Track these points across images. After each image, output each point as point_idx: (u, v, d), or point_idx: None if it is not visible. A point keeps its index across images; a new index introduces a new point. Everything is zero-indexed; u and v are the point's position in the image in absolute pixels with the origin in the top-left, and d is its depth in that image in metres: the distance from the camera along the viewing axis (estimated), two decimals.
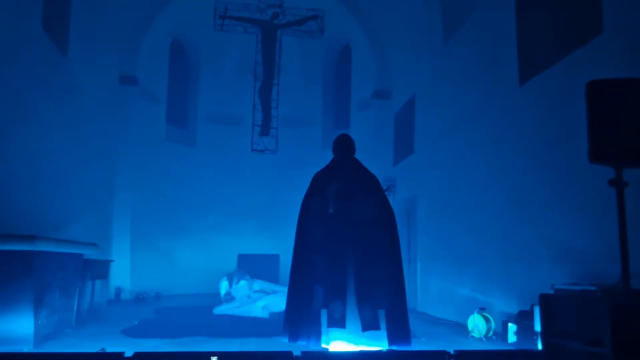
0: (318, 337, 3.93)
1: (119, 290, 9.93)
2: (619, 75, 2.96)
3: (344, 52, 13.70)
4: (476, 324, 5.84)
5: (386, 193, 4.34)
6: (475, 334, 5.81)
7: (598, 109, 2.88)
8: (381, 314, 3.96)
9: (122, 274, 10.21)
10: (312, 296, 3.99)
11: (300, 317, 4.00)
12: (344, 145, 4.39)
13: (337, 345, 3.90)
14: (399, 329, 3.97)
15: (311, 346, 3.92)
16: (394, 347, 3.91)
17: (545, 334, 3.17)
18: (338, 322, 3.90)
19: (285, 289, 7.92)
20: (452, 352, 3.34)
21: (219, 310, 7.80)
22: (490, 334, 5.76)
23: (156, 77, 11.97)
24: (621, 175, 2.90)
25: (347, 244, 4.02)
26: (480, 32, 7.24)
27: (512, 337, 5.39)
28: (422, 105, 9.60)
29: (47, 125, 7.01)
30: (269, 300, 7.62)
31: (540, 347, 3.61)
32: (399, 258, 4.22)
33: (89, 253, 6.30)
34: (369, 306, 3.92)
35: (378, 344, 3.91)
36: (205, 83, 13.54)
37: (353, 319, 3.92)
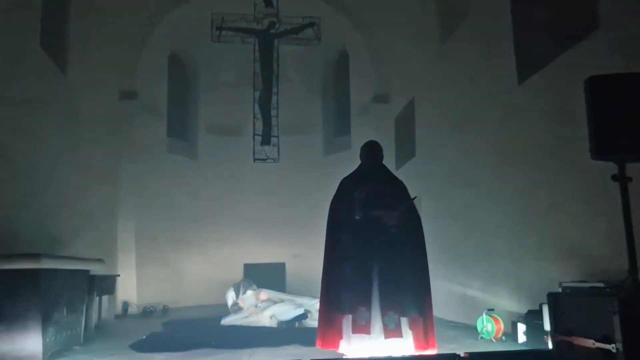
0: (337, 344, 3.96)
1: (126, 305, 9.91)
2: (616, 70, 2.96)
3: (342, 58, 13.72)
4: (485, 325, 5.81)
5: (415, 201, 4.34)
6: (485, 336, 5.78)
7: (598, 105, 2.88)
8: (403, 321, 3.96)
9: (128, 289, 10.20)
10: (337, 302, 4.03)
11: (326, 323, 4.04)
12: (370, 152, 4.45)
13: (359, 351, 3.90)
14: (426, 337, 3.96)
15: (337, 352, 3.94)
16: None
17: (555, 332, 3.15)
18: (363, 329, 3.91)
19: (292, 298, 7.99)
20: (462, 354, 3.33)
21: (227, 321, 7.78)
22: (500, 334, 5.73)
23: (156, 90, 11.99)
24: (624, 171, 2.89)
25: (373, 250, 4.04)
26: (476, 32, 7.25)
27: (521, 337, 5.36)
28: (421, 108, 9.60)
29: (48, 143, 7.04)
30: (276, 310, 7.59)
31: (550, 346, 3.59)
32: (426, 264, 4.22)
33: (94, 269, 6.29)
34: (392, 313, 3.93)
35: (402, 352, 3.90)
36: (205, 94, 13.58)
37: (376, 326, 3.93)
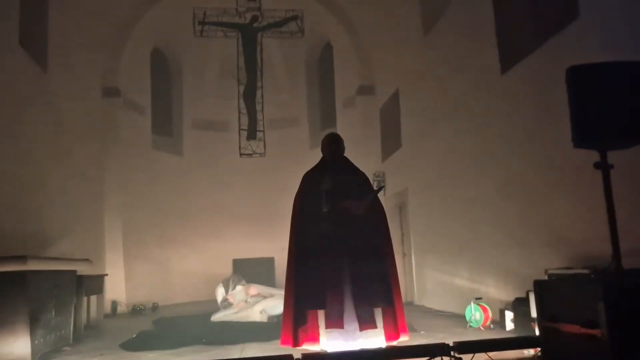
0: (317, 339, 3.92)
1: (115, 304, 9.86)
2: (596, 58, 2.99)
3: (326, 50, 13.70)
4: (473, 313, 5.88)
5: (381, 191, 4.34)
6: (473, 324, 5.85)
7: (579, 94, 2.90)
8: (377, 312, 3.96)
9: (117, 288, 10.13)
10: (309, 297, 3.98)
11: (299, 319, 3.98)
12: (332, 144, 4.38)
13: (335, 345, 3.89)
14: (397, 325, 3.98)
15: (311, 348, 3.91)
16: (392, 344, 3.92)
17: (541, 319, 3.19)
18: (336, 323, 3.89)
19: (281, 292, 7.96)
20: (451, 343, 3.36)
21: (217, 317, 7.76)
22: (488, 323, 5.80)
23: (139, 86, 11.90)
24: (606, 158, 2.93)
25: (342, 243, 4.01)
26: (459, 22, 7.27)
27: (509, 325, 5.43)
28: (406, 99, 9.64)
29: (30, 143, 6.94)
30: (266, 304, 7.60)
31: (537, 332, 3.64)
32: (392, 254, 4.23)
33: (82, 269, 6.25)
34: (365, 305, 3.92)
35: (376, 342, 3.91)
36: (189, 90, 13.49)
37: (350, 319, 3.91)
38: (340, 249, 3.97)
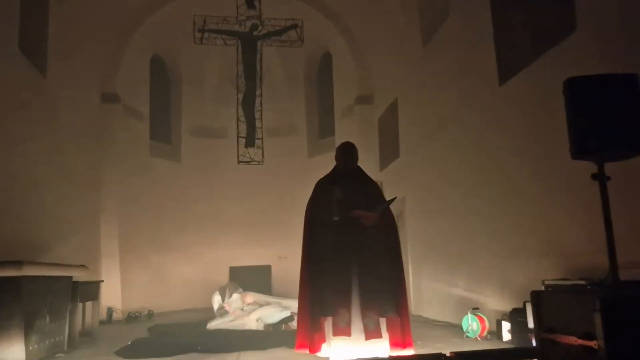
0: (319, 347, 3.94)
1: (110, 311, 9.80)
2: (594, 70, 3.01)
3: (325, 59, 13.75)
4: (470, 324, 5.86)
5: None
6: (470, 334, 5.83)
7: (576, 106, 2.92)
8: (381, 321, 3.97)
9: (112, 294, 10.09)
10: (318, 304, 3.99)
11: (310, 325, 4.01)
12: (346, 153, 4.41)
13: (341, 353, 3.90)
14: (403, 336, 3.98)
15: (319, 355, 3.93)
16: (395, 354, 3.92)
17: (538, 330, 3.19)
18: (344, 331, 3.90)
19: (278, 300, 7.97)
20: (447, 354, 3.35)
21: (213, 325, 7.73)
22: (485, 333, 5.78)
23: (138, 93, 11.91)
24: (603, 170, 2.94)
25: (352, 251, 4.03)
26: (458, 33, 7.32)
27: (506, 336, 5.41)
28: (404, 109, 9.67)
29: (28, 148, 6.93)
30: (263, 312, 7.57)
31: (534, 343, 3.63)
32: (401, 264, 4.24)
33: (77, 275, 6.22)
34: (373, 314, 3.93)
35: (380, 351, 3.91)
36: (188, 97, 13.51)
37: (357, 327, 3.92)
38: (349, 257, 4.00)
